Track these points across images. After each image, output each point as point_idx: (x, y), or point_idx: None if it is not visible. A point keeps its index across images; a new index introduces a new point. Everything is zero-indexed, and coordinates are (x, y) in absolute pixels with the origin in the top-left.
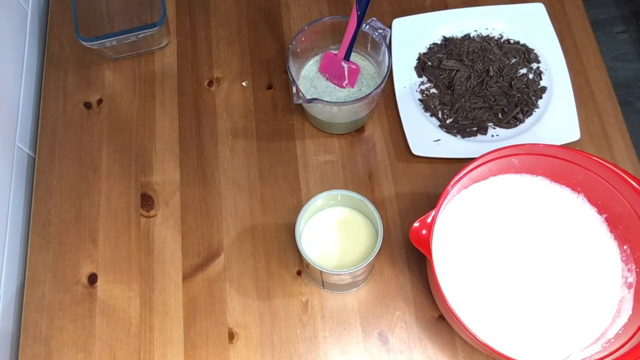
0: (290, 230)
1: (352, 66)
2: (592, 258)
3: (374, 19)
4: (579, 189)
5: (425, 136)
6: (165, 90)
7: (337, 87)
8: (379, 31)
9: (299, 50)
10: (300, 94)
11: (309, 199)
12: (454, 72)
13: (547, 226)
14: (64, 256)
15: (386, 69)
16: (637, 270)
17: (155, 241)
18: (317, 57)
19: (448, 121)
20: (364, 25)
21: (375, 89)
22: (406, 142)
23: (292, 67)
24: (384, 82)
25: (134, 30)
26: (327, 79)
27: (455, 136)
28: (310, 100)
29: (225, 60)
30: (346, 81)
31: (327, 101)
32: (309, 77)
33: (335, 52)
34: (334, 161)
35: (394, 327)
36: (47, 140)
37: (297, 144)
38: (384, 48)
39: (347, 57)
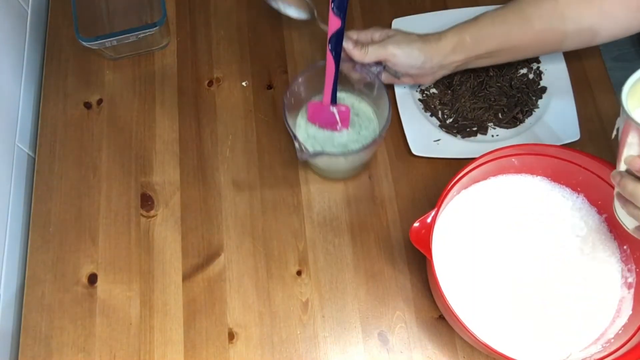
0: (290, 231)
1: (342, 109)
2: (592, 258)
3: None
4: (579, 189)
5: (425, 136)
6: (165, 90)
7: (334, 131)
8: (372, 69)
9: (293, 101)
10: (304, 148)
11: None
12: None
13: (548, 226)
14: (64, 256)
15: (387, 111)
16: (637, 270)
17: (155, 241)
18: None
19: (448, 121)
20: (356, 67)
21: (379, 134)
22: (406, 142)
23: (289, 120)
24: (387, 126)
25: (134, 30)
26: (318, 127)
27: (455, 136)
28: (316, 155)
29: (225, 60)
30: (339, 125)
31: (334, 153)
32: (302, 126)
33: (320, 99)
34: None
35: (394, 327)
36: (47, 140)
37: None
38: (378, 84)
39: (333, 101)
